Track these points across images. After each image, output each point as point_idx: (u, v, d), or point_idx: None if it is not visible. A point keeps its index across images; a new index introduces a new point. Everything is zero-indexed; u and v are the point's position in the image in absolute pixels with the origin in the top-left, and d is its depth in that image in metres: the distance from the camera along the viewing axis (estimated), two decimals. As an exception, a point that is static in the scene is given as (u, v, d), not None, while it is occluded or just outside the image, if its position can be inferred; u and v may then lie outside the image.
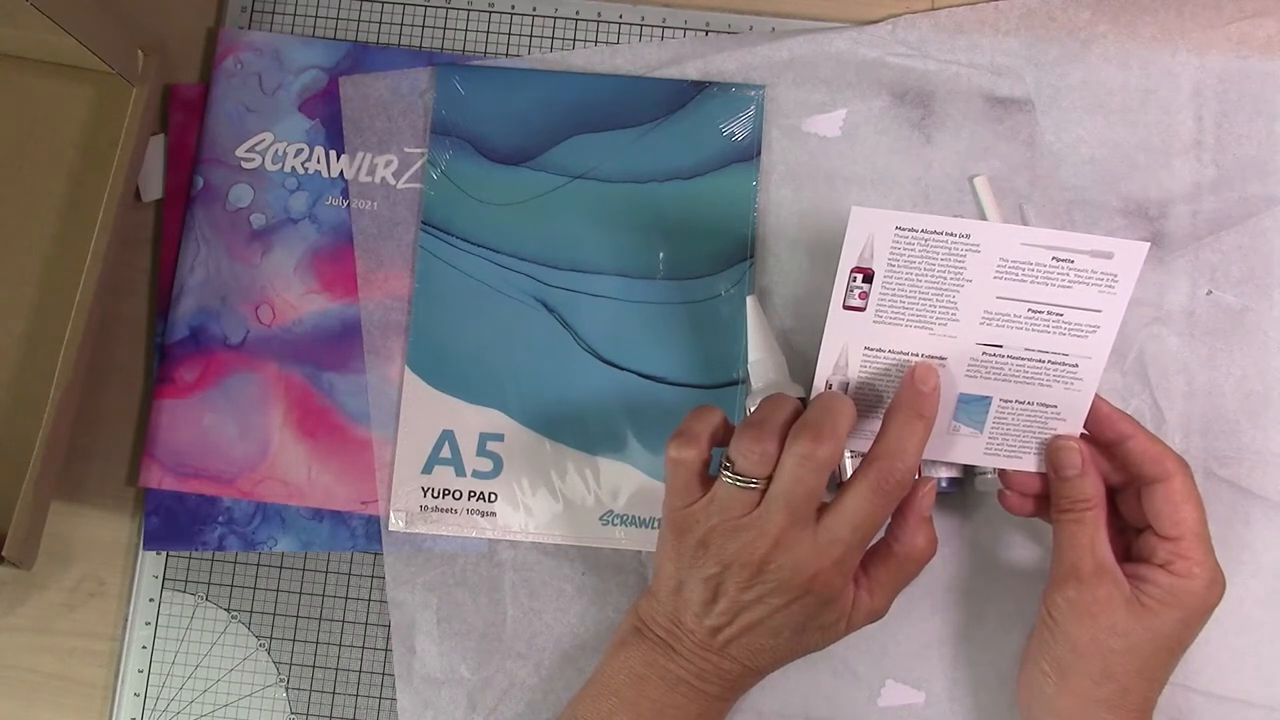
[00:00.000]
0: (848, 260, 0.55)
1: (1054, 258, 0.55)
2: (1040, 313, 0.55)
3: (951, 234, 0.54)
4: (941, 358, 0.57)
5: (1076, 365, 0.56)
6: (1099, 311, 0.55)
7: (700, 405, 0.56)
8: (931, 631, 0.63)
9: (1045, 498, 0.58)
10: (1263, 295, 0.65)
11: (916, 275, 0.55)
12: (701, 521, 0.53)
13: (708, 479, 0.54)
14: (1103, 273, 0.55)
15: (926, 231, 0.54)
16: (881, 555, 0.56)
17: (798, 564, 0.52)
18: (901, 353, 0.57)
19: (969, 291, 0.55)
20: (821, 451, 0.51)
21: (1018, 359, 0.56)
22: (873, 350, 0.57)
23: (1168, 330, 0.65)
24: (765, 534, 0.52)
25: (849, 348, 0.57)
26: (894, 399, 0.55)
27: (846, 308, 0.56)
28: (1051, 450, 0.57)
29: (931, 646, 0.63)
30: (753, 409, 0.60)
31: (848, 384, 0.57)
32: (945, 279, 0.55)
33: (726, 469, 0.53)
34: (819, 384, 0.58)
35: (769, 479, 0.52)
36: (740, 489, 0.52)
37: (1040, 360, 0.56)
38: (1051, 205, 0.65)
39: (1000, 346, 0.56)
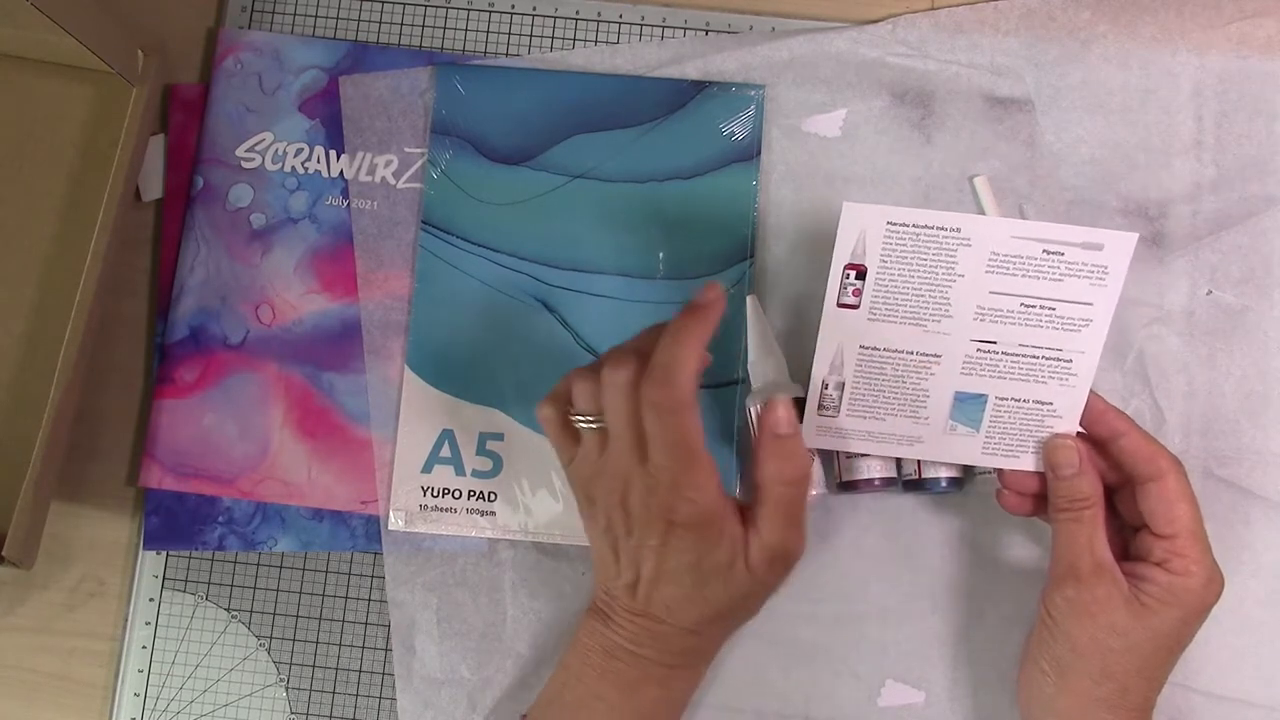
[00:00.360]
0: (840, 257, 0.55)
1: (1044, 250, 0.55)
2: (1033, 307, 0.55)
3: (943, 228, 0.55)
4: (936, 355, 0.57)
5: (1071, 360, 0.56)
6: (1091, 305, 0.55)
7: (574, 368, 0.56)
8: (931, 631, 0.63)
9: (1043, 497, 0.58)
10: (1263, 295, 0.65)
11: (909, 271, 0.55)
12: (581, 473, 0.54)
13: (576, 432, 0.55)
14: (1093, 265, 0.55)
15: (918, 226, 0.55)
16: (753, 489, 0.54)
17: (646, 495, 0.52)
18: (896, 350, 0.57)
19: (961, 286, 0.55)
20: (619, 375, 0.51)
21: (1012, 355, 0.56)
22: (868, 349, 0.57)
23: (1168, 330, 0.65)
24: (617, 470, 0.52)
25: (844, 347, 0.57)
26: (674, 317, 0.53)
27: (841, 305, 0.56)
28: (1049, 449, 0.57)
29: (931, 646, 0.63)
30: (752, 409, 0.60)
31: (844, 383, 0.57)
32: (938, 274, 0.55)
33: (571, 411, 0.54)
34: (815, 383, 0.58)
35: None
36: (587, 429, 0.53)
37: (1034, 355, 0.56)
38: (1051, 205, 0.65)
39: (994, 342, 0.56)
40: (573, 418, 0.54)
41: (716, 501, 0.52)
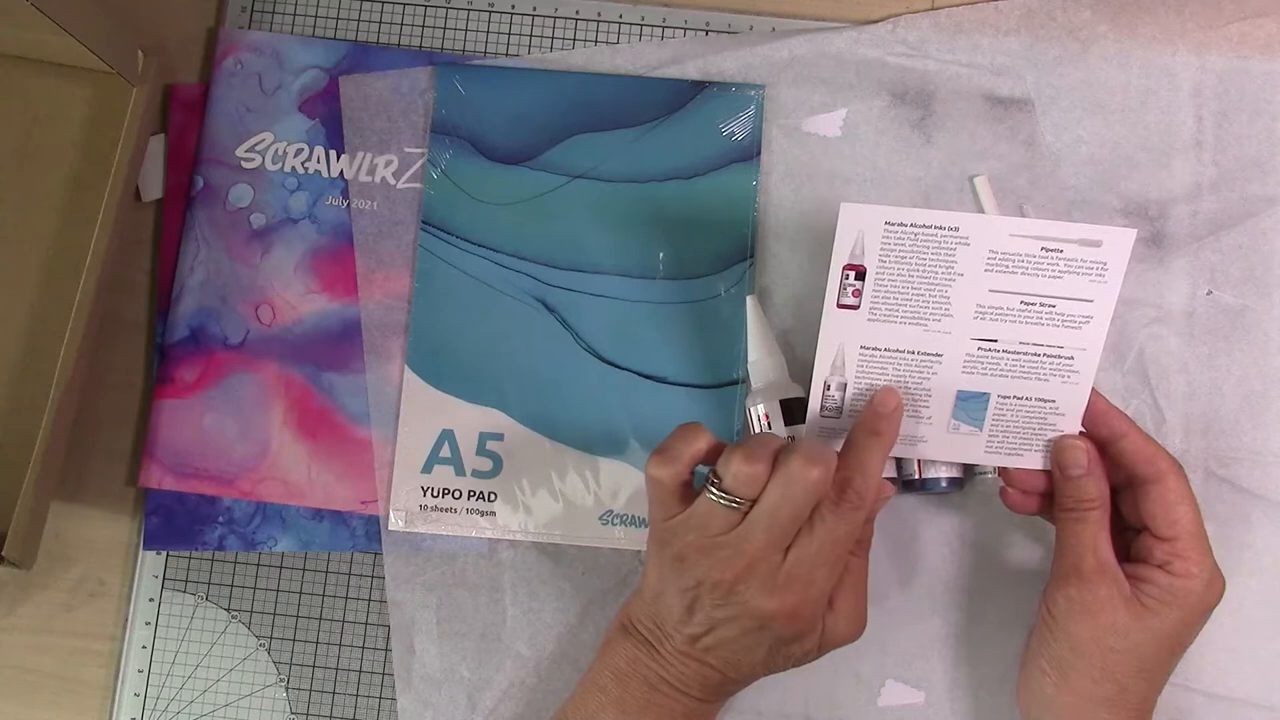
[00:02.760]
0: (839, 257, 0.55)
1: (1043, 248, 0.55)
2: (1033, 304, 0.55)
3: (941, 227, 0.55)
4: (937, 354, 0.57)
5: (1072, 358, 0.56)
6: (1091, 301, 0.55)
7: (687, 423, 0.55)
8: (931, 631, 0.63)
9: (1047, 495, 0.58)
10: (1263, 295, 0.65)
11: (908, 271, 0.55)
12: (679, 535, 0.53)
13: (688, 494, 0.54)
14: (1092, 261, 0.55)
15: (916, 226, 0.55)
16: None
17: (764, 590, 0.52)
18: (897, 350, 0.57)
19: (961, 285, 0.55)
20: (814, 473, 0.51)
21: (1013, 353, 0.56)
22: (869, 349, 0.57)
23: (1168, 330, 0.65)
24: (740, 554, 0.52)
25: (845, 348, 0.57)
26: (857, 420, 0.55)
27: (840, 306, 0.56)
28: (1057, 449, 0.57)
29: (931, 646, 0.63)
30: (752, 410, 0.60)
31: (845, 384, 0.57)
32: (937, 273, 0.55)
33: (713, 485, 0.52)
34: (816, 385, 0.58)
35: (752, 502, 0.52)
36: (723, 507, 0.52)
37: (1036, 353, 0.56)
38: (1051, 205, 0.65)
39: (995, 341, 0.56)
40: (715, 493, 0.52)
41: (822, 608, 0.54)
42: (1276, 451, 0.64)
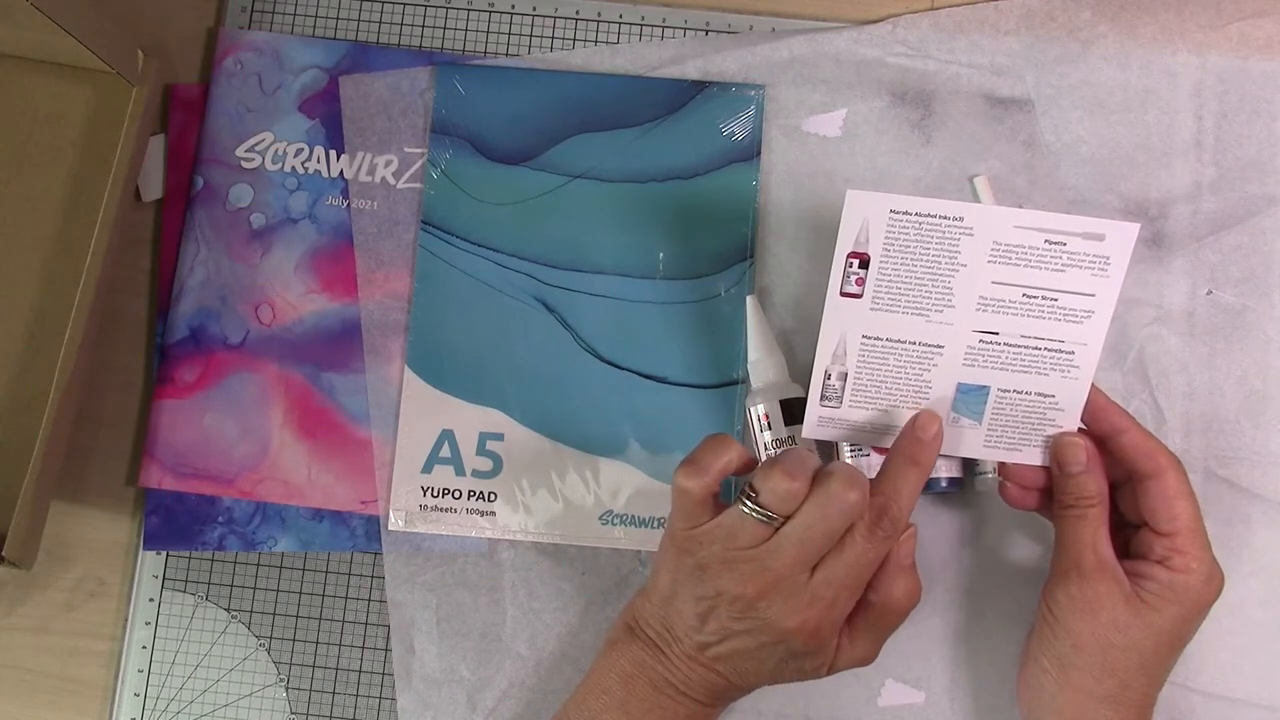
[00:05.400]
0: (844, 245, 0.55)
1: (1046, 240, 0.55)
2: (1035, 298, 0.55)
3: (945, 217, 0.55)
4: (939, 345, 0.57)
5: (1073, 352, 0.56)
6: (1093, 296, 0.55)
7: (716, 434, 0.55)
8: (931, 631, 0.63)
9: (1046, 491, 0.58)
10: (1263, 295, 0.65)
11: (912, 260, 0.55)
12: (704, 545, 0.53)
13: (715, 505, 0.54)
14: (1095, 255, 0.55)
15: (921, 214, 0.55)
16: (860, 604, 0.55)
17: (786, 608, 0.52)
18: (899, 341, 0.57)
19: (964, 276, 0.55)
20: (852, 495, 0.51)
21: (1014, 346, 0.56)
22: (870, 339, 0.57)
23: (1168, 330, 0.65)
24: (766, 570, 0.52)
25: (847, 337, 0.57)
26: (895, 443, 0.55)
27: (844, 294, 0.56)
28: (1056, 446, 0.57)
29: (931, 646, 0.63)
30: (752, 410, 0.60)
31: (846, 374, 0.57)
32: (940, 263, 0.55)
33: (747, 498, 0.52)
34: (818, 373, 0.58)
35: (785, 519, 0.52)
36: (755, 520, 0.52)
37: (1036, 347, 0.56)
38: (1051, 205, 0.65)
39: (997, 334, 0.56)
40: (749, 506, 0.52)
41: (839, 627, 0.54)
42: (1276, 451, 0.64)
